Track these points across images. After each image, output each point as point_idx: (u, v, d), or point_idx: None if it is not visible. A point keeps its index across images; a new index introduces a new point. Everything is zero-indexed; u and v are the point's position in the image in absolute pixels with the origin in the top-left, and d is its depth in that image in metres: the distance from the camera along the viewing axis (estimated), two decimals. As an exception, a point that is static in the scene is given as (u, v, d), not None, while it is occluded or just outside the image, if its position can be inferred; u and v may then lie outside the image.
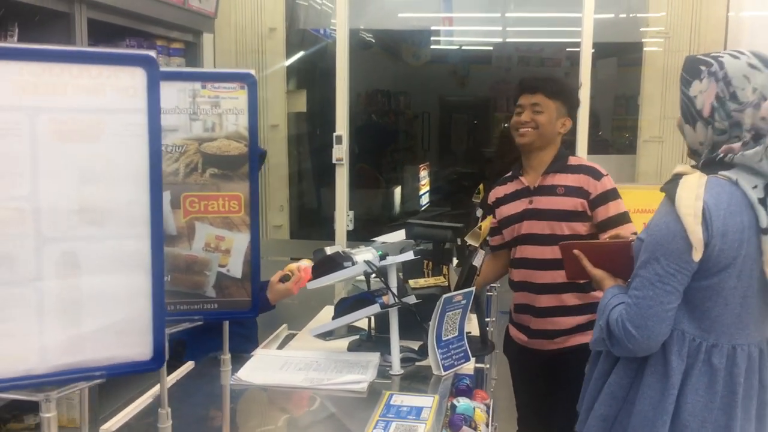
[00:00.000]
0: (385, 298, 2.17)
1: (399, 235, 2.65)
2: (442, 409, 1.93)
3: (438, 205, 7.61)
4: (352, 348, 2.37)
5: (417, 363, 2.23)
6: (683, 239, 1.66)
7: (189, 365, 2.23)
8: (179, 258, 1.44)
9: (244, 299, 1.47)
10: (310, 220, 5.74)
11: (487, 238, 2.66)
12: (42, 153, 1.02)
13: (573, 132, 2.95)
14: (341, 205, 4.30)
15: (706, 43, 4.17)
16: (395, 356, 2.17)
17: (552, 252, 2.41)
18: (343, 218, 4.31)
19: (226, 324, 1.58)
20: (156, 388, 1.92)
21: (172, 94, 1.38)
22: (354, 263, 2.13)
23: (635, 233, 2.19)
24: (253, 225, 1.45)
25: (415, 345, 2.29)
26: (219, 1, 3.59)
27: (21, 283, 1.03)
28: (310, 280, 2.27)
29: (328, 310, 2.75)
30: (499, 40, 7.78)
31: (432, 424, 1.79)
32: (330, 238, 4.34)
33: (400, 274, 2.34)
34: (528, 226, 2.63)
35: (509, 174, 2.78)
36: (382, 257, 2.16)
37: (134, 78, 1.06)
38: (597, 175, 2.59)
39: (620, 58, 5.89)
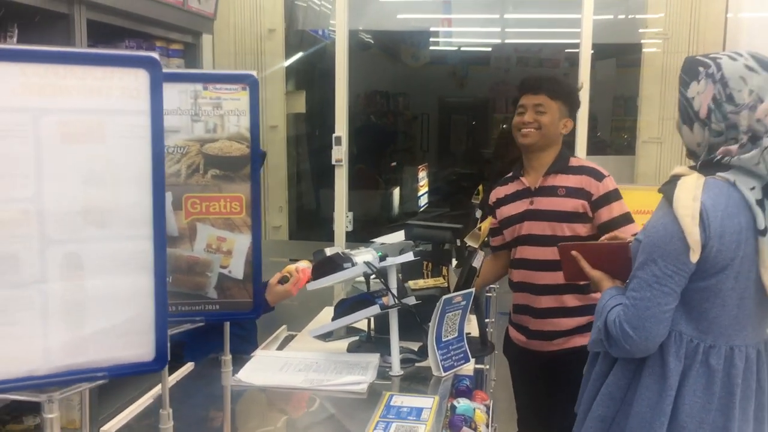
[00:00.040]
0: (384, 299, 2.18)
1: (398, 236, 2.66)
2: (442, 410, 1.93)
3: (437, 206, 7.63)
4: (351, 349, 2.38)
5: (417, 364, 2.23)
6: (681, 240, 1.66)
7: (188, 366, 2.23)
8: (181, 259, 1.44)
9: (246, 300, 1.48)
10: (309, 221, 5.75)
11: (488, 238, 2.66)
12: (46, 154, 1.02)
13: (572, 133, 2.95)
14: (340, 206, 4.30)
15: (704, 44, 4.18)
16: (395, 357, 2.17)
17: (552, 253, 2.41)
18: (342, 219, 4.32)
19: (227, 325, 1.58)
20: (155, 390, 1.92)
21: (173, 95, 1.38)
22: (354, 264, 2.14)
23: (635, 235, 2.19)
24: (255, 226, 1.45)
25: (415, 346, 2.29)
26: (218, 2, 3.59)
27: (25, 285, 1.03)
28: (310, 281, 2.27)
29: (328, 311, 2.75)
30: (498, 41, 7.82)
31: (432, 425, 1.80)
32: (329, 239, 4.34)
33: (400, 275, 2.34)
34: (528, 227, 2.62)
35: (510, 174, 2.77)
36: (382, 258, 2.16)
37: (138, 79, 1.07)
38: (599, 176, 2.58)
39: (619, 59, 5.91)
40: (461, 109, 10.21)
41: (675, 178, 1.73)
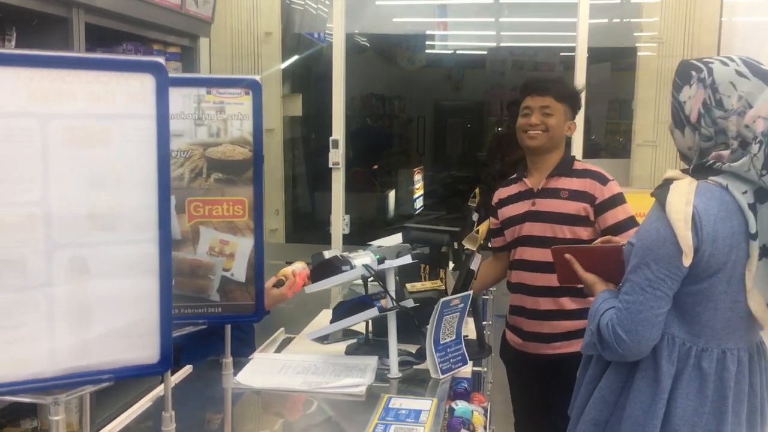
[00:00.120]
0: (383, 302, 2.18)
1: (395, 239, 2.66)
2: (441, 412, 1.94)
3: (433, 209, 7.63)
4: (349, 351, 2.38)
5: (415, 366, 2.24)
6: (673, 244, 1.66)
7: (187, 369, 2.23)
8: (184, 262, 1.45)
9: (248, 303, 1.48)
10: (305, 224, 5.76)
11: (487, 241, 2.66)
12: (53, 159, 1.03)
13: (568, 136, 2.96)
14: (337, 209, 4.31)
15: (699, 47, 4.21)
16: (393, 360, 2.18)
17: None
18: (339, 222, 4.32)
19: (228, 328, 1.59)
20: (153, 392, 1.92)
21: (177, 99, 1.39)
22: (353, 267, 2.14)
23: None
24: (257, 229, 1.46)
25: (413, 348, 2.30)
26: (216, 5, 3.59)
27: (31, 288, 1.03)
28: (307, 285, 2.27)
29: (326, 314, 2.76)
30: (494, 44, 7.84)
31: (430, 427, 1.80)
32: (325, 241, 4.34)
33: (397, 278, 2.35)
34: (529, 228, 2.63)
35: (514, 176, 2.78)
36: (380, 261, 2.17)
37: (144, 84, 1.07)
38: (603, 179, 2.59)
39: (614, 63, 5.93)
40: (457, 112, 10.24)
41: (668, 182, 1.74)
